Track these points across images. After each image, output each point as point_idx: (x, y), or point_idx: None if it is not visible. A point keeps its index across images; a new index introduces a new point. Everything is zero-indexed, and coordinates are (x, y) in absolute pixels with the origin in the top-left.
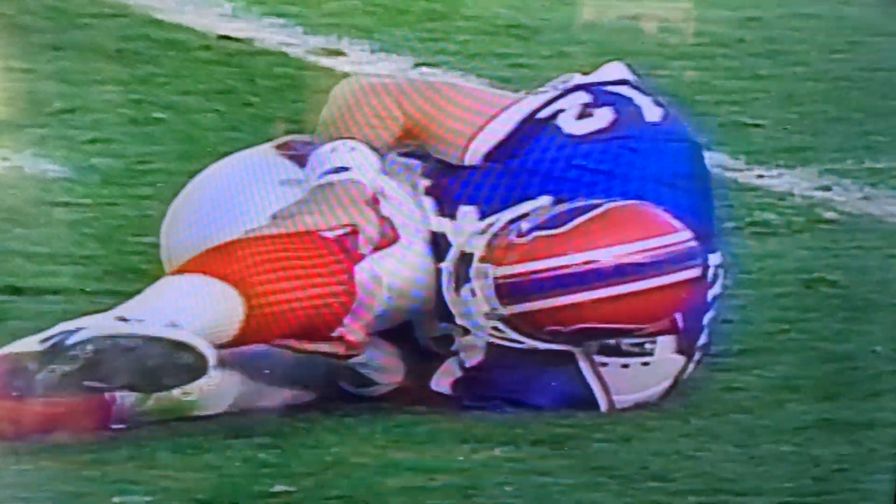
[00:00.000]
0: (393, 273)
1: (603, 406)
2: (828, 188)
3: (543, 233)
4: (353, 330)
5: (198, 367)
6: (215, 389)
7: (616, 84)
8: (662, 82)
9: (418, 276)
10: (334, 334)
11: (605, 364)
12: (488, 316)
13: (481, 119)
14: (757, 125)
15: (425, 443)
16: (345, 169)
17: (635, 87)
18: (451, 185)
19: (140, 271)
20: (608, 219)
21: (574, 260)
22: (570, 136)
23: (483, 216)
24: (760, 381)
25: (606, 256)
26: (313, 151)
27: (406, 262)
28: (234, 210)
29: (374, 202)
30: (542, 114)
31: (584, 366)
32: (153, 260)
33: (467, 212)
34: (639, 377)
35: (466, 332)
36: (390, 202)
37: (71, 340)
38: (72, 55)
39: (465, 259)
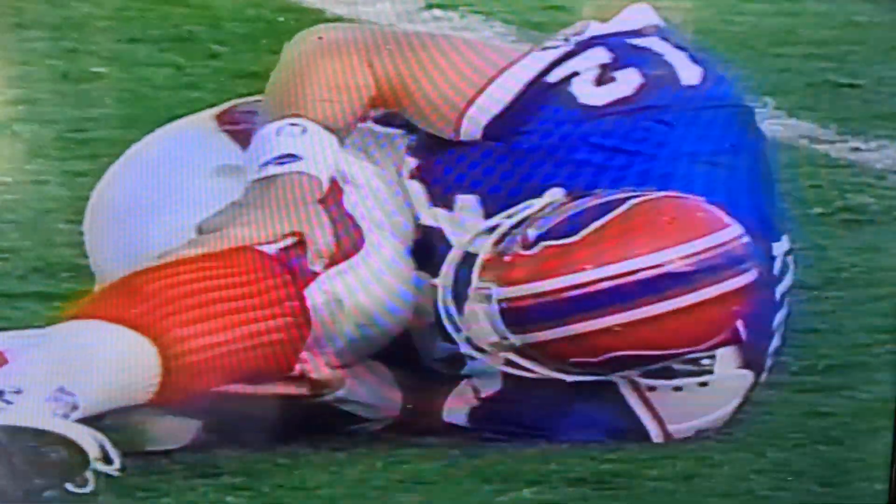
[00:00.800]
0: (356, 292)
1: (656, 437)
2: None
3: (553, 242)
4: (316, 366)
5: (76, 465)
6: (170, 423)
7: (642, 35)
8: (733, 31)
9: (394, 290)
10: (293, 374)
11: (652, 388)
12: (498, 346)
13: (479, 81)
14: (852, 85)
15: (437, 482)
16: (292, 157)
17: (666, 38)
18: (444, 167)
19: (74, 268)
20: (633, 220)
21: (595, 275)
22: (587, 107)
23: (487, 208)
24: (852, 405)
25: (637, 267)
26: (257, 130)
27: (375, 277)
28: (161, 211)
29: (329, 200)
30: (552, 76)
31: (626, 391)
32: None
33: (467, 202)
34: (697, 401)
35: (477, 351)
36: (359, 191)
37: None
38: None
39: (469, 263)
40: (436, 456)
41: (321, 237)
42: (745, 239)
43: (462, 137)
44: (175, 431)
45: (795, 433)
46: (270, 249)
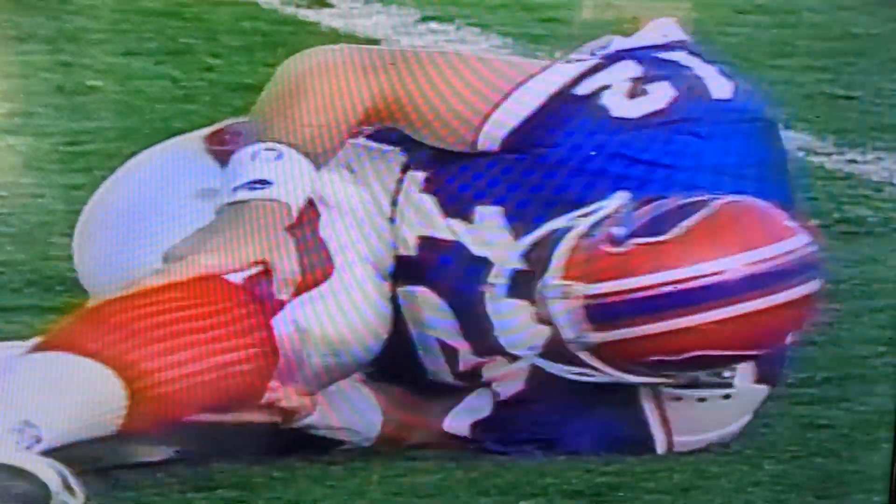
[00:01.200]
0: (324, 322)
1: (660, 448)
2: None
3: (644, 240)
4: (286, 394)
5: (38, 498)
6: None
7: (669, 49)
8: (730, 42)
9: (364, 319)
10: (263, 402)
11: (678, 398)
12: (571, 345)
13: (494, 96)
14: (849, 97)
15: (433, 496)
16: (263, 183)
17: (694, 53)
18: (459, 180)
19: (70, 281)
20: (721, 220)
21: (687, 273)
22: (620, 119)
23: (513, 220)
24: (850, 417)
25: (727, 266)
26: (235, 152)
27: (343, 306)
28: (144, 231)
29: (301, 225)
30: (581, 89)
31: (646, 401)
32: None
33: (489, 214)
34: (717, 412)
35: (510, 360)
36: (337, 213)
37: None
38: None
39: (518, 276)
40: (432, 469)
41: (287, 265)
42: (812, 248)
43: (479, 149)
44: (148, 452)
45: (793, 445)
46: (237, 278)
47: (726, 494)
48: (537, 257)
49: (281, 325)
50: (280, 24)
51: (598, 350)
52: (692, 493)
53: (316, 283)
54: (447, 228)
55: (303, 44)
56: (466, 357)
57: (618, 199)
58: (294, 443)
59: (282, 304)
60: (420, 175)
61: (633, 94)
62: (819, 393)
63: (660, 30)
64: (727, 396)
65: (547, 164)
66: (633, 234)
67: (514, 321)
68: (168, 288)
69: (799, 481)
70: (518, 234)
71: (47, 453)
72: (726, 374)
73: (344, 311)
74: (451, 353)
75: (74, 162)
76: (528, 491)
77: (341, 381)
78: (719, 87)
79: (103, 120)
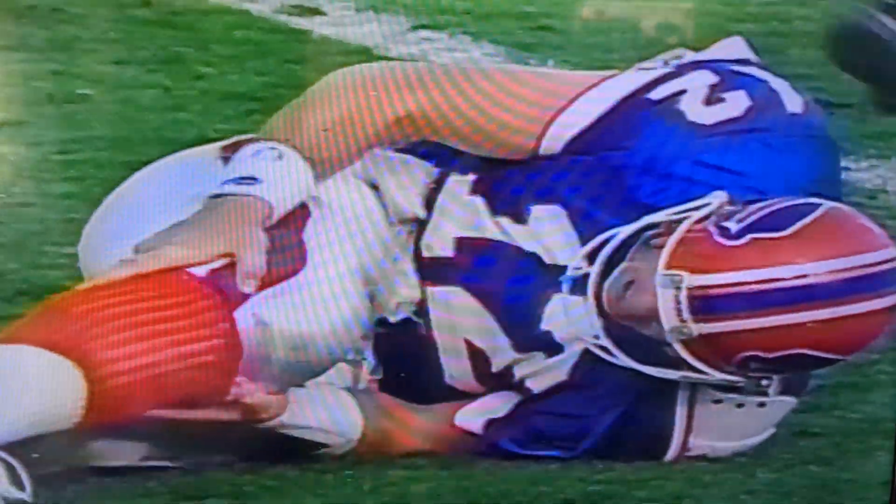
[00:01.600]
0: (287, 317)
1: (671, 454)
2: None
3: (762, 235)
4: (251, 391)
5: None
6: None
7: (742, 63)
8: None
9: (330, 316)
10: (227, 398)
11: (718, 401)
12: (672, 333)
13: (556, 103)
14: (842, 105)
15: None
16: (252, 179)
17: (765, 69)
18: (510, 181)
19: (61, 290)
20: (829, 223)
21: (797, 271)
22: (696, 124)
23: (575, 219)
24: (843, 425)
25: (834, 267)
26: (241, 149)
27: (308, 303)
28: (145, 231)
29: (285, 225)
30: (655, 94)
31: (680, 401)
32: (77, 276)
33: (547, 213)
34: (750, 420)
35: (549, 354)
36: (329, 215)
37: None
38: None
39: (582, 273)
40: (424, 478)
41: (251, 258)
42: None
43: (540, 154)
44: (115, 453)
45: (786, 453)
46: (201, 270)
47: (719, 503)
48: (610, 254)
49: (243, 318)
50: (272, 33)
51: (692, 342)
52: (684, 502)
53: (282, 279)
54: (494, 227)
55: (294, 52)
56: (503, 355)
57: (719, 197)
58: (273, 447)
59: (245, 297)
60: (467, 178)
61: (709, 101)
62: (812, 401)
63: (730, 48)
64: (762, 405)
65: (615, 165)
66: (749, 229)
67: (573, 313)
68: (132, 280)
69: (792, 490)
70: (582, 232)
71: (2, 447)
72: (764, 382)
73: (308, 307)
74: (478, 355)
75: (66, 171)
76: (520, 499)
77: (316, 381)
78: (792, 101)
79: (94, 129)
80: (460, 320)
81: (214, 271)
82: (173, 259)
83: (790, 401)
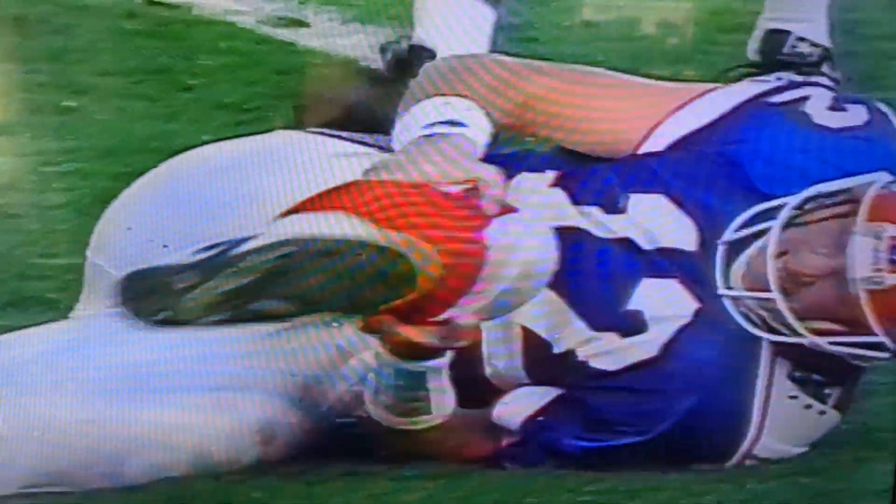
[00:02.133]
0: (522, 241)
1: (746, 444)
2: None
3: None
4: (465, 311)
5: None
6: None
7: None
8: (713, 60)
9: (542, 251)
10: (441, 317)
11: (794, 397)
12: (862, 282)
13: (667, 105)
14: None
15: None
16: (459, 124)
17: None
18: (598, 174)
19: (48, 302)
20: None
21: None
22: (821, 126)
23: (686, 207)
24: (835, 436)
25: None
26: (403, 113)
27: (533, 231)
28: (231, 204)
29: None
30: (778, 98)
31: (759, 395)
32: (66, 287)
33: (650, 200)
34: (808, 425)
35: (623, 335)
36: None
37: None
38: None
39: (735, 245)
40: (416, 488)
41: (494, 185)
42: None
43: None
44: None
45: (777, 464)
46: (454, 189)
47: None
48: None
49: (492, 235)
50: (257, 44)
51: (879, 293)
52: None
53: (507, 212)
54: (578, 216)
55: (281, 63)
56: (573, 336)
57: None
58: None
59: (490, 220)
60: (544, 175)
61: (833, 108)
62: None
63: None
64: (822, 413)
65: (731, 156)
66: None
67: (667, 292)
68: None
69: (782, 500)
70: (694, 216)
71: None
72: (826, 391)
73: (534, 235)
74: (534, 341)
75: (53, 182)
76: None
77: None
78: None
79: (82, 140)
80: (527, 308)
81: (465, 191)
82: (425, 175)
83: (836, 417)
